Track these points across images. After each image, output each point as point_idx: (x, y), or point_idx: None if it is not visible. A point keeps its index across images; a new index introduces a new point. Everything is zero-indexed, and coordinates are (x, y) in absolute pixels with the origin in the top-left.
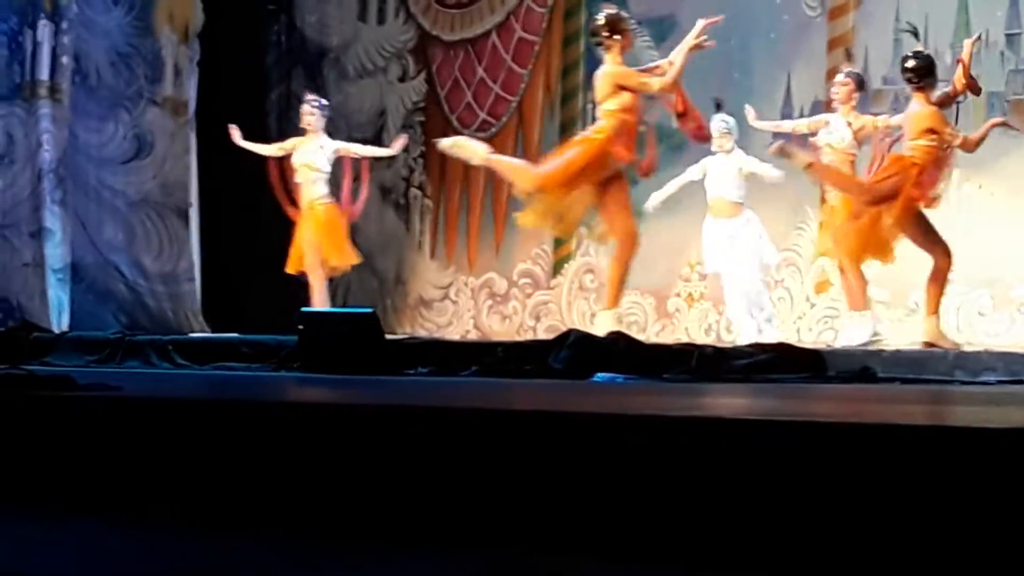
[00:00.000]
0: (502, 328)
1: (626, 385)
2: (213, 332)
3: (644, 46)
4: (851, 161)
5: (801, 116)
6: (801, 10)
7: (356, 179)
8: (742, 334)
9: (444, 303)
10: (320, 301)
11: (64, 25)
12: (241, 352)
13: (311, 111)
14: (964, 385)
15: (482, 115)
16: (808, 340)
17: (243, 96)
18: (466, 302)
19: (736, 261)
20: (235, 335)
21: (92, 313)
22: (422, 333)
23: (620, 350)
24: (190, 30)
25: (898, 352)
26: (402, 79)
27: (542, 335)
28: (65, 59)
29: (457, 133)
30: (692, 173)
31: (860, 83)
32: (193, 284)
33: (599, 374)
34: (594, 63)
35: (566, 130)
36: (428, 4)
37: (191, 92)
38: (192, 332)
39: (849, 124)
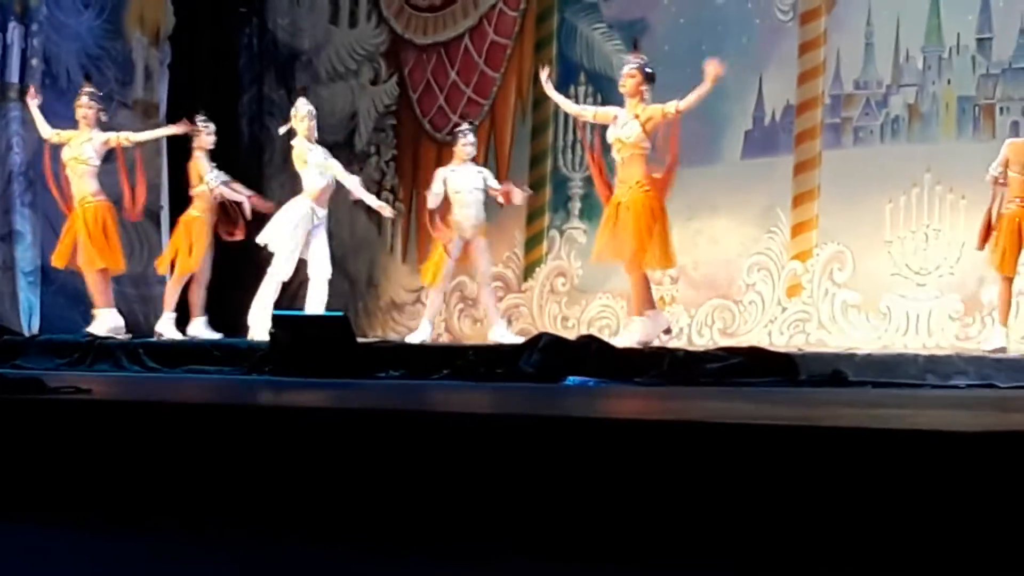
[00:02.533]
0: (473, 331)
1: (597, 389)
2: (184, 335)
3: (615, 50)
4: (643, 155)
5: (773, 120)
6: (773, 14)
7: (131, 172)
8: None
9: (416, 306)
10: (102, 300)
11: (34, 27)
12: (213, 355)
13: (87, 104)
14: (935, 389)
15: (454, 118)
16: (780, 344)
17: (214, 99)
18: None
19: None
20: (206, 338)
21: (62, 316)
22: (394, 336)
23: (592, 353)
24: (161, 32)
25: (869, 356)
26: (374, 82)
27: (513, 339)
28: (35, 61)
29: (429, 136)
30: None
31: (648, 75)
32: (164, 287)
33: (571, 377)
34: (566, 66)
35: (538, 133)
36: (400, 7)
37: (162, 95)
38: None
39: (637, 116)
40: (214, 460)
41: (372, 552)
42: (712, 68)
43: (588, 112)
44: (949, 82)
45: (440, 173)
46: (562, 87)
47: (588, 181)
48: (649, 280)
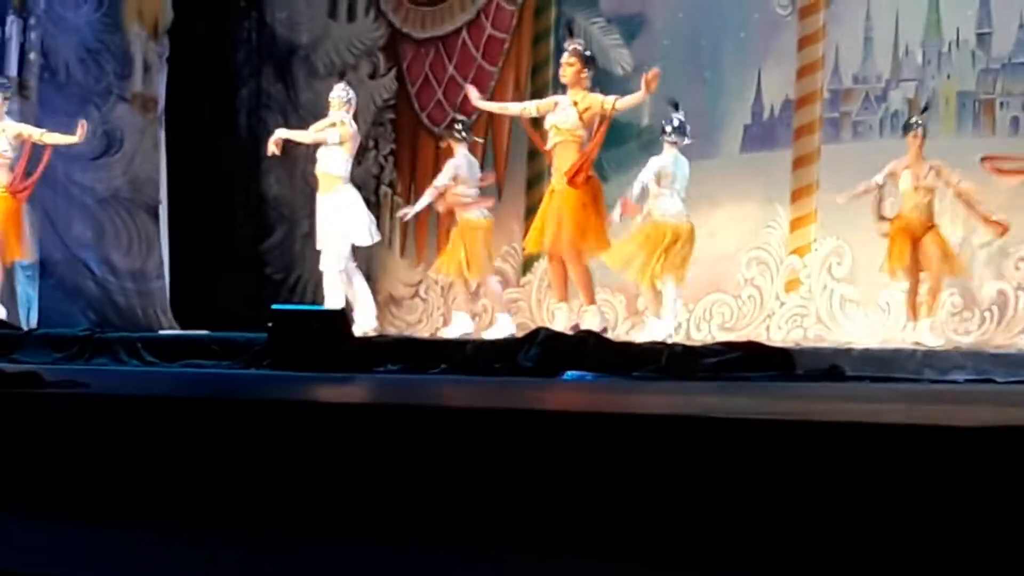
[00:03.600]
0: (472, 326)
1: (595, 383)
2: (182, 329)
3: (613, 44)
4: (578, 143)
5: (772, 115)
6: (772, 8)
7: (32, 161)
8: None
9: (414, 301)
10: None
11: (32, 21)
12: (210, 349)
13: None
14: (933, 384)
15: (452, 112)
16: (778, 338)
17: (213, 93)
18: (436, 300)
19: None
20: (204, 332)
21: (61, 310)
22: (392, 331)
23: (589, 348)
24: (159, 26)
25: (867, 351)
26: (372, 76)
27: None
28: (33, 55)
29: (427, 131)
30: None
31: (586, 61)
32: (162, 281)
33: (568, 372)
34: None
35: (536, 127)
36: (399, 2)
37: (160, 89)
38: (161, 329)
39: (575, 104)
40: (211, 455)
41: (369, 545)
42: (647, 79)
43: (531, 107)
44: (949, 77)
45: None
46: (558, 81)
47: None
48: (589, 271)
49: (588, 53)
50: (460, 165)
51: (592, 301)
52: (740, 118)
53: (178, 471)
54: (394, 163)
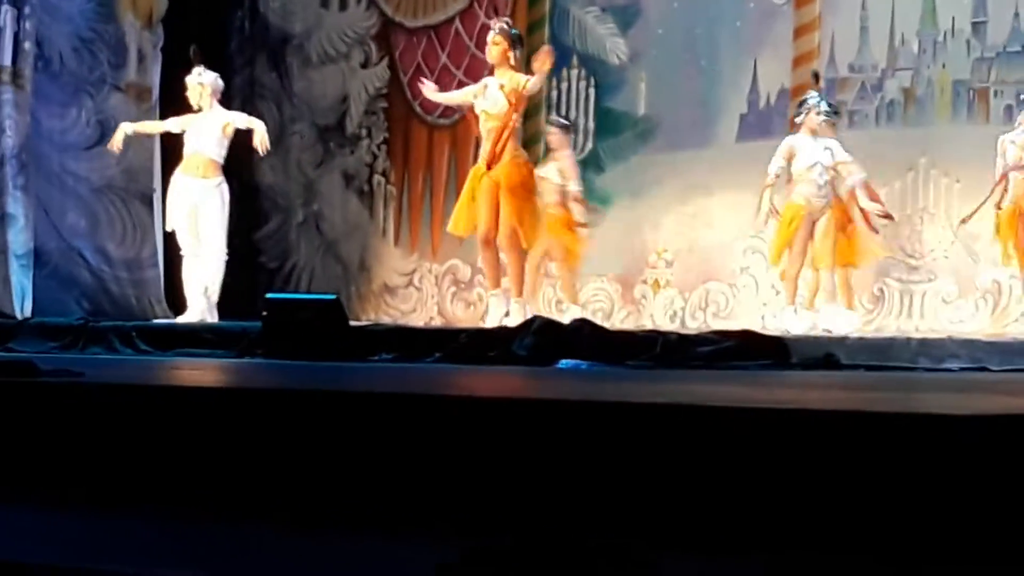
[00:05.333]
0: (466, 315)
1: (590, 372)
2: (176, 318)
3: (608, 33)
4: (513, 128)
5: (768, 104)
6: None
7: None
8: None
9: (408, 290)
10: None
11: (27, 10)
12: (205, 338)
13: None
14: (928, 372)
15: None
16: (772, 327)
17: None
18: (430, 289)
19: None
20: (198, 322)
21: (55, 299)
22: (386, 320)
23: (584, 337)
24: (154, 16)
25: (862, 339)
26: (364, 65)
27: (506, 321)
28: (27, 44)
29: (420, 120)
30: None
31: (514, 40)
32: (157, 270)
33: (563, 361)
34: (559, 49)
35: (530, 117)
36: None
37: (155, 78)
38: (156, 318)
39: (502, 87)
40: (206, 444)
41: (366, 535)
42: (539, 60)
43: (470, 93)
44: (944, 66)
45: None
46: (555, 70)
47: (582, 164)
48: (525, 260)
49: (515, 32)
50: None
51: (520, 294)
52: (736, 107)
53: (173, 460)
54: (387, 152)
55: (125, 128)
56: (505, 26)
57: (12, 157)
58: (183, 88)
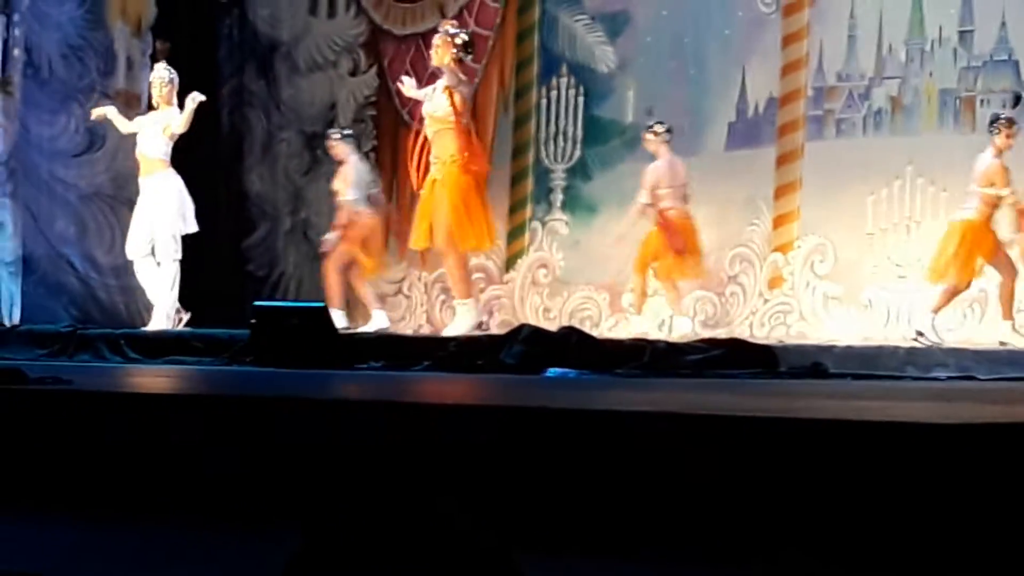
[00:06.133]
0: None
1: (578, 380)
2: (143, 328)
3: (597, 41)
4: (454, 130)
5: (756, 113)
6: (756, 6)
7: None
8: None
9: (397, 298)
10: None
11: (16, 18)
12: (193, 346)
13: None
14: (915, 381)
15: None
16: (761, 335)
17: (195, 90)
18: (419, 297)
19: None
20: (187, 329)
21: (43, 306)
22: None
23: (573, 345)
24: (143, 23)
25: (849, 348)
26: (353, 73)
27: (495, 330)
28: (17, 52)
29: (408, 127)
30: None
31: (460, 44)
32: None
33: (551, 369)
34: (548, 58)
35: (520, 125)
36: None
37: (144, 85)
38: (144, 326)
39: (447, 89)
40: (193, 451)
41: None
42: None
43: (424, 94)
44: (931, 74)
45: None
46: (544, 79)
47: (571, 172)
48: (467, 263)
49: (462, 37)
50: None
51: (467, 295)
52: (724, 116)
53: (160, 468)
54: (375, 159)
55: (108, 111)
56: (451, 30)
57: (1, 164)
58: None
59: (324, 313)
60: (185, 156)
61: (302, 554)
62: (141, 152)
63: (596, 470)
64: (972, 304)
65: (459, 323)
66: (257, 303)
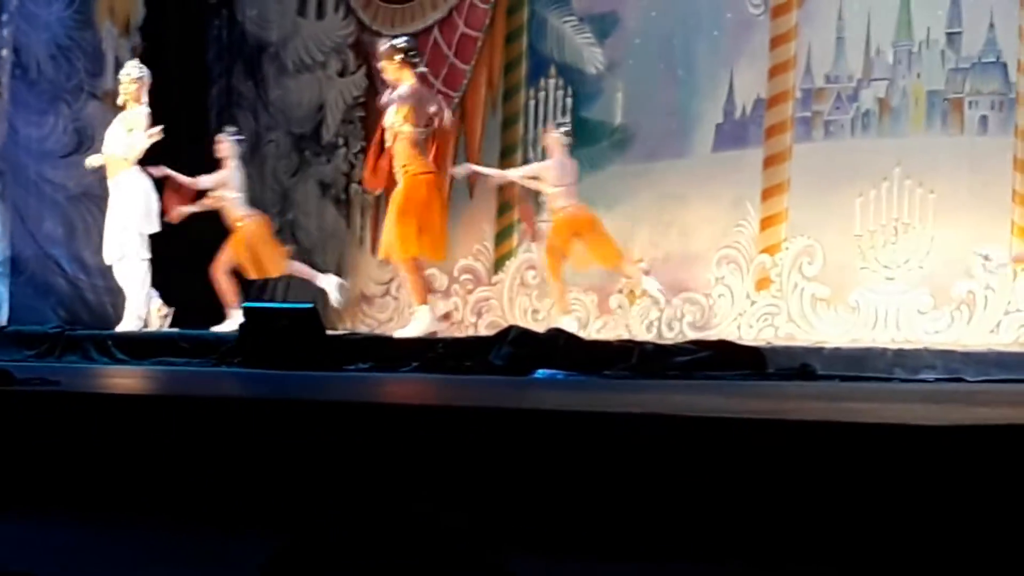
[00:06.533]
0: (442, 325)
1: (566, 381)
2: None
3: (586, 43)
4: (408, 139)
5: (744, 114)
6: (744, 8)
7: None
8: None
9: (385, 299)
10: None
11: (4, 18)
12: (181, 347)
13: None
14: (903, 383)
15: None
16: (748, 337)
17: (184, 91)
18: (407, 298)
19: None
20: (175, 330)
21: (31, 307)
22: (363, 329)
23: (561, 346)
24: (131, 24)
25: (837, 350)
26: (342, 74)
27: (483, 331)
28: (5, 52)
29: None
30: None
31: (404, 51)
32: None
33: (540, 370)
34: (536, 59)
35: (508, 126)
36: None
37: None
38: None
39: (398, 102)
40: (181, 453)
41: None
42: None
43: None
44: (919, 76)
45: None
46: (532, 80)
47: None
48: (420, 269)
49: (402, 43)
50: None
51: (422, 301)
52: (712, 117)
53: (148, 469)
54: (364, 161)
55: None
56: (395, 43)
57: None
58: (160, 96)
59: (313, 314)
60: (174, 157)
61: (281, 554)
62: (105, 152)
63: (584, 472)
64: (960, 306)
65: (412, 327)
66: (246, 304)
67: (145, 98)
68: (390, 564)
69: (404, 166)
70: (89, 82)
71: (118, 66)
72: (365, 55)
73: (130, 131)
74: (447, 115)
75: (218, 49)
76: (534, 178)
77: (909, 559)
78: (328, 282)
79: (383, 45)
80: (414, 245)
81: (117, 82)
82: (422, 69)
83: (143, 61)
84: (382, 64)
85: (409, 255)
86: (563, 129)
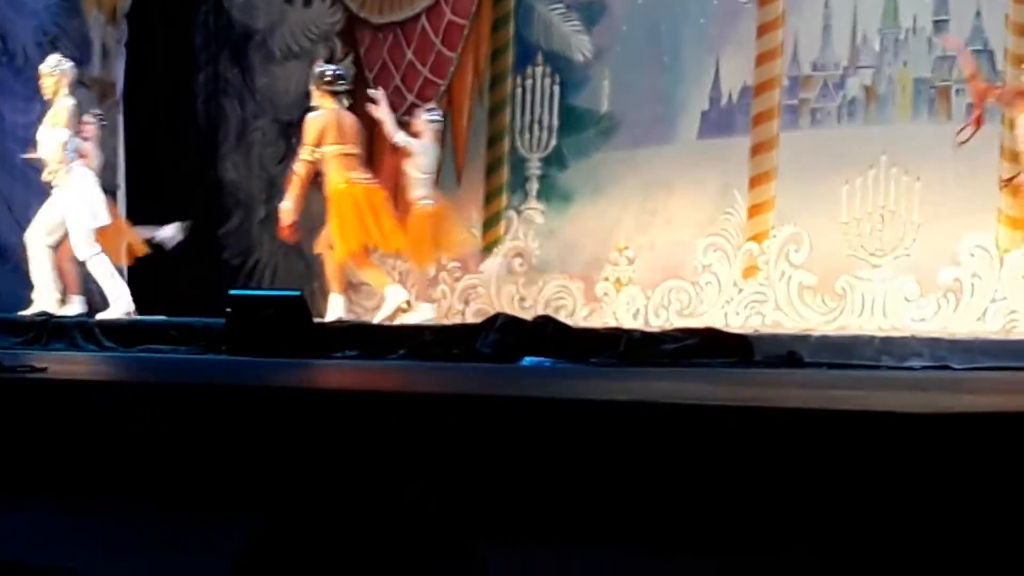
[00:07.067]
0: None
1: (554, 369)
2: (140, 314)
3: (573, 30)
4: (347, 156)
5: (730, 101)
6: None
7: None
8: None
9: (372, 287)
10: None
11: None
12: (168, 334)
13: None
14: (890, 370)
15: (410, 98)
16: (736, 325)
17: (171, 78)
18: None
19: None
20: (162, 317)
21: (17, 294)
22: (350, 316)
23: (548, 334)
24: (118, 11)
25: (824, 338)
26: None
27: (471, 319)
28: None
29: None
30: None
31: (332, 78)
32: (120, 265)
33: (527, 358)
34: (523, 47)
35: (495, 114)
36: None
37: (119, 74)
38: (114, 315)
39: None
40: (168, 440)
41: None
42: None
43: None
44: (905, 64)
45: None
46: (519, 68)
47: (546, 161)
48: (366, 256)
49: (329, 74)
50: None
51: (383, 285)
52: (698, 104)
53: (135, 456)
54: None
55: None
56: (317, 69)
57: None
58: (146, 83)
59: (300, 302)
60: (162, 145)
61: (255, 537)
62: (40, 152)
63: (571, 459)
64: (947, 293)
65: (387, 307)
66: (232, 291)
67: (66, 90)
68: (366, 548)
69: (345, 178)
70: (76, 70)
71: (105, 54)
72: (352, 43)
73: (54, 126)
74: (400, 136)
75: (205, 36)
76: (407, 155)
77: (897, 547)
78: (77, 302)
79: (317, 67)
80: (350, 239)
81: (104, 70)
82: (346, 101)
83: (130, 48)
84: (314, 92)
85: (349, 250)
86: (434, 115)
